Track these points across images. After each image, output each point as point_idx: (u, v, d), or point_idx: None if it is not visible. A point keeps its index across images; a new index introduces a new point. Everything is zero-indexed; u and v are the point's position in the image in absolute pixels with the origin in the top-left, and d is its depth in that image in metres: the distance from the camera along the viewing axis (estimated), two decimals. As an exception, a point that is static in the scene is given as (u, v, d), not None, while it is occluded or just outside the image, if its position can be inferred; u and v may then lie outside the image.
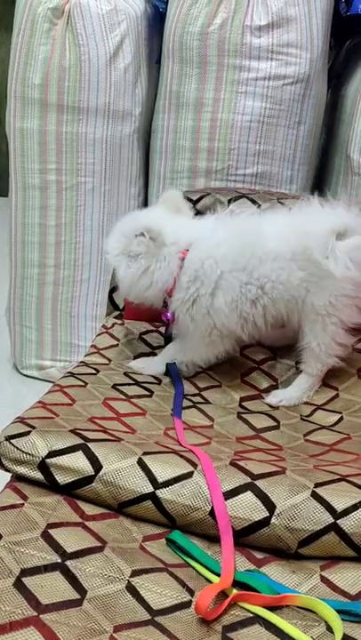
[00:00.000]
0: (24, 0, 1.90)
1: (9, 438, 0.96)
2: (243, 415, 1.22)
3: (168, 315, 1.30)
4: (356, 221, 1.26)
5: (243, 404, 1.29)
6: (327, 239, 1.22)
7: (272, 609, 0.78)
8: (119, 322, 1.56)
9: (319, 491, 0.91)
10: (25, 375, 2.25)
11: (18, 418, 1.03)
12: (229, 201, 1.58)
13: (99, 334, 1.53)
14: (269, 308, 1.26)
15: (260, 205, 1.56)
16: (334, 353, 1.30)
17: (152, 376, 1.33)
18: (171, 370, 1.33)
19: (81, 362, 1.37)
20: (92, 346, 1.47)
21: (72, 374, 1.27)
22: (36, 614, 0.71)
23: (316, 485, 0.92)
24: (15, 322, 2.21)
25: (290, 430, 1.21)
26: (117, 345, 1.46)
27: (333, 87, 2.11)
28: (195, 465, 0.94)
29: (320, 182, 2.15)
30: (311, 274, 1.24)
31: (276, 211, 1.44)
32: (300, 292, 1.25)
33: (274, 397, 1.31)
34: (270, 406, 1.29)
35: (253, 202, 1.58)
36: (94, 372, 1.29)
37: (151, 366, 1.36)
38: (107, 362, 1.38)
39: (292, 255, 1.24)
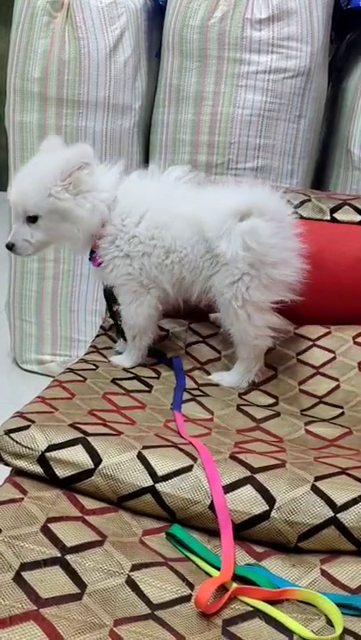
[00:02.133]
0: (23, -7, 1.90)
1: (8, 432, 0.96)
2: (242, 407, 1.22)
3: (98, 257, 1.31)
4: (265, 202, 1.25)
5: (242, 396, 1.28)
6: (223, 219, 1.21)
7: (272, 603, 0.78)
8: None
9: (319, 484, 0.91)
10: (25, 370, 2.25)
11: (17, 412, 1.03)
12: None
13: (98, 335, 1.53)
14: (176, 267, 1.28)
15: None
16: (259, 335, 1.29)
17: (152, 369, 1.32)
18: (174, 363, 1.33)
19: (80, 359, 1.37)
20: (91, 346, 1.47)
21: (71, 370, 1.27)
22: (35, 608, 0.71)
23: (317, 479, 0.92)
24: (15, 316, 2.21)
25: (291, 417, 1.20)
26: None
27: (334, 81, 2.10)
28: (194, 458, 0.94)
29: (320, 176, 2.14)
30: (210, 249, 1.25)
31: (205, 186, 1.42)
32: (204, 264, 1.27)
33: (216, 376, 1.35)
34: (271, 396, 1.29)
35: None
36: (93, 367, 1.29)
37: (124, 360, 1.37)
38: (105, 359, 1.39)
39: (197, 228, 1.25)
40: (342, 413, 1.24)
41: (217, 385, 1.32)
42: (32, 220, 1.25)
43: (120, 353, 1.41)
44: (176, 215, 1.27)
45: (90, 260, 1.33)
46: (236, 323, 1.28)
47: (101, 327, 1.58)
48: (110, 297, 1.41)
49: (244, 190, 1.28)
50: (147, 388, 1.25)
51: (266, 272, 1.24)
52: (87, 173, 1.24)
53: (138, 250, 1.28)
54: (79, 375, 1.23)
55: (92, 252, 1.32)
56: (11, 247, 1.28)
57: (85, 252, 1.33)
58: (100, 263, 1.31)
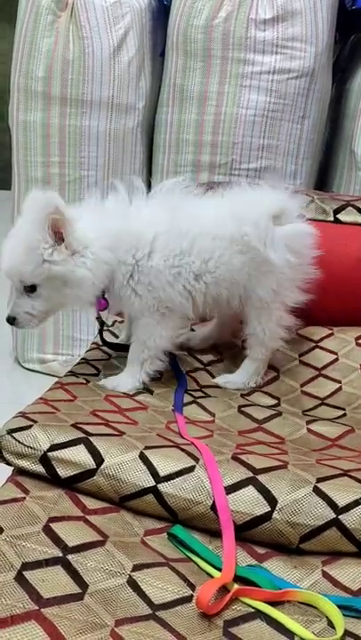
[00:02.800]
0: (27, -8, 1.90)
1: (11, 432, 0.96)
2: (243, 409, 1.22)
3: (102, 302, 1.21)
4: (290, 202, 1.27)
5: (244, 397, 1.28)
6: (266, 226, 1.20)
7: (273, 604, 0.78)
8: (119, 319, 1.55)
9: (321, 486, 0.91)
10: (27, 369, 2.25)
11: (20, 412, 1.03)
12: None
13: (100, 331, 1.52)
14: (212, 286, 1.23)
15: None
16: (279, 337, 1.31)
17: (156, 371, 1.31)
18: (172, 364, 1.32)
19: (82, 359, 1.37)
20: (93, 343, 1.47)
21: (73, 373, 1.27)
22: (37, 608, 0.71)
23: (318, 480, 0.92)
24: (17, 315, 2.20)
25: (293, 417, 1.21)
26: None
27: (338, 81, 2.10)
28: (196, 459, 0.94)
29: (324, 177, 2.14)
30: (252, 258, 1.22)
31: (210, 195, 1.34)
32: (242, 276, 1.23)
33: (222, 378, 1.33)
34: (273, 397, 1.29)
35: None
36: (95, 371, 1.29)
37: (124, 383, 1.24)
38: (107, 357, 1.38)
39: (230, 238, 1.21)
40: (344, 415, 1.24)
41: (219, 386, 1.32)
42: (31, 289, 1.14)
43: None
44: (197, 236, 1.20)
45: (98, 304, 1.23)
46: (268, 323, 1.28)
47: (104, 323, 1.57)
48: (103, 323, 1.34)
49: (267, 194, 1.27)
50: (148, 391, 1.25)
51: (302, 273, 1.27)
52: (67, 222, 1.10)
53: (160, 280, 1.18)
54: (81, 378, 1.24)
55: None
56: (12, 321, 1.17)
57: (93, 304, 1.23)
58: (105, 307, 1.23)
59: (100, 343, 1.37)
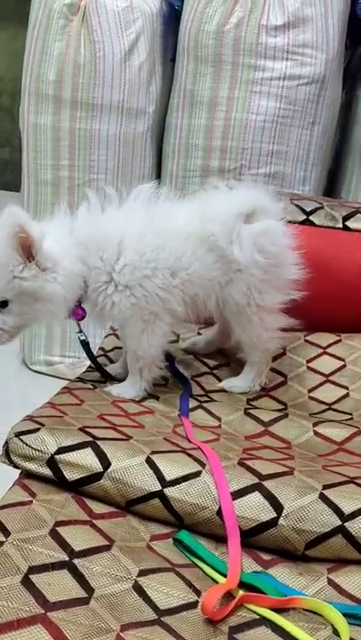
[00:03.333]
0: (40, -4, 1.91)
1: (18, 435, 0.97)
2: (250, 411, 1.22)
3: (79, 311, 1.20)
4: (265, 201, 1.22)
5: (251, 402, 1.29)
6: (232, 223, 1.16)
7: (278, 611, 0.78)
8: (119, 345, 1.56)
9: (327, 493, 0.91)
10: (34, 371, 2.26)
11: (27, 416, 1.03)
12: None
13: (106, 336, 1.53)
14: (188, 284, 1.20)
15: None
16: (270, 339, 1.28)
17: (161, 377, 1.31)
18: (172, 370, 1.33)
19: (90, 367, 1.36)
20: (99, 348, 1.47)
21: (81, 379, 1.27)
22: (43, 612, 0.71)
23: (325, 487, 0.92)
24: (25, 317, 2.21)
25: (299, 419, 1.21)
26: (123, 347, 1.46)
27: (348, 88, 2.10)
28: (203, 464, 0.94)
29: (333, 183, 2.14)
30: (221, 257, 1.19)
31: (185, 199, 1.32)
32: (215, 274, 1.21)
33: (227, 382, 1.32)
34: (279, 402, 1.29)
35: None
36: (103, 378, 1.30)
37: (128, 390, 1.24)
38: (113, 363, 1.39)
39: (200, 237, 1.19)
40: (351, 419, 1.24)
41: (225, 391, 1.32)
42: (2, 305, 1.12)
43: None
44: (169, 234, 1.19)
45: (75, 316, 1.22)
46: (250, 329, 1.26)
47: (111, 327, 1.58)
48: (87, 347, 1.30)
49: (240, 193, 1.25)
50: (155, 395, 1.25)
51: (278, 274, 1.22)
52: (34, 239, 1.09)
53: (135, 277, 1.17)
54: (89, 384, 1.24)
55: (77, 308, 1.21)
56: None
57: (66, 315, 1.21)
58: (83, 317, 1.22)
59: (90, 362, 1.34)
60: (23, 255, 1.10)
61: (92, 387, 1.22)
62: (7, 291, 1.11)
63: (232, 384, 1.32)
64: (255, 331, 1.26)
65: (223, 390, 1.32)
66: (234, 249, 1.17)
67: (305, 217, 1.47)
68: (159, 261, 1.18)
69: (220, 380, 1.35)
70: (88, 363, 1.35)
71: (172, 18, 2.01)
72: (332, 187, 2.14)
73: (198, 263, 1.20)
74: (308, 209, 1.53)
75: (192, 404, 1.23)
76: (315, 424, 1.18)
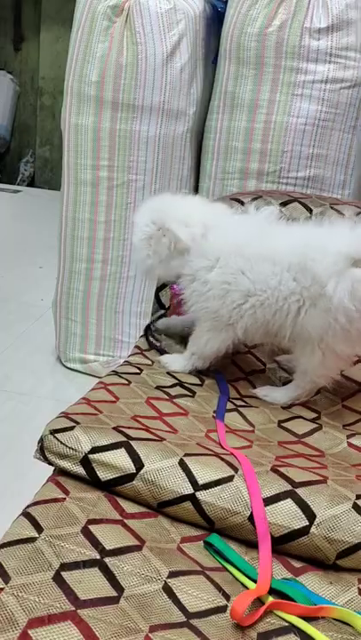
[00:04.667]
0: (84, -3, 1.93)
1: (53, 432, 0.98)
2: (283, 424, 1.22)
3: (176, 287, 1.35)
4: None
5: (285, 409, 1.28)
6: (337, 258, 1.14)
7: (308, 619, 0.78)
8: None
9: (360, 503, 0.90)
10: (68, 368, 2.28)
11: (62, 413, 1.04)
12: (281, 205, 1.57)
13: (142, 336, 1.54)
14: (258, 310, 1.23)
15: (311, 210, 1.54)
16: (325, 375, 1.27)
17: (196, 376, 1.33)
18: (215, 374, 1.33)
19: (125, 361, 1.38)
20: (135, 346, 1.48)
21: (116, 373, 1.28)
22: (73, 609, 0.72)
23: (358, 497, 0.91)
24: (61, 315, 2.24)
25: (333, 430, 1.20)
26: (159, 347, 1.47)
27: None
28: (236, 469, 0.94)
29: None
30: (305, 288, 1.17)
31: (306, 223, 1.38)
32: (290, 305, 1.20)
33: (262, 390, 1.32)
34: (313, 411, 1.28)
35: (305, 206, 1.56)
36: (138, 371, 1.30)
37: (175, 363, 1.36)
38: (150, 362, 1.39)
39: (289, 264, 1.19)
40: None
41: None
42: None
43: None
44: (255, 257, 1.22)
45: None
46: (309, 359, 1.24)
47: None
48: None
49: (352, 231, 1.20)
50: (190, 394, 1.25)
51: (358, 327, 1.17)
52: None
53: (211, 293, 1.26)
54: (123, 378, 1.24)
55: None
56: None
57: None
58: (179, 294, 1.35)
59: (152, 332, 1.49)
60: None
61: (126, 382, 1.23)
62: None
63: (268, 393, 1.31)
64: (314, 363, 1.24)
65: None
66: (330, 284, 1.14)
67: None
68: (233, 284, 1.24)
69: (254, 387, 1.35)
70: (121, 361, 1.38)
71: (214, 20, 2.01)
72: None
73: (271, 292, 1.21)
74: (347, 214, 1.52)
75: (228, 406, 1.23)
76: (348, 436, 1.17)
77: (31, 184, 4.84)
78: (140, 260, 1.35)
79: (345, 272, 1.14)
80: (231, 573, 0.85)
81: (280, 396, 1.30)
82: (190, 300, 1.31)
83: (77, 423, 1.00)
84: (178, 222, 1.28)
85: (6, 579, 0.74)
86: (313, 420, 1.24)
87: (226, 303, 1.25)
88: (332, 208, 1.51)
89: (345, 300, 1.13)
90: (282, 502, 0.90)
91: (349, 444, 1.15)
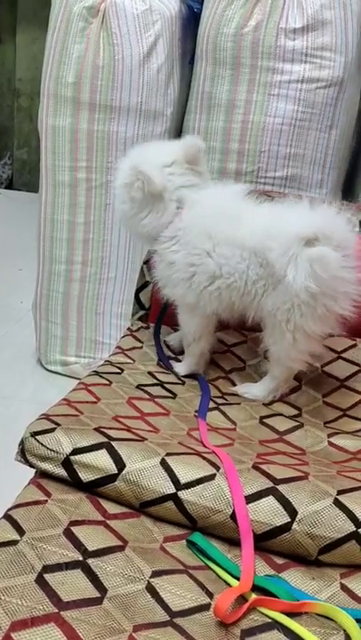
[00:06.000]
0: (60, -1, 1.92)
1: (34, 434, 0.97)
2: (265, 420, 1.22)
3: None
4: (335, 228, 1.16)
5: (266, 406, 1.28)
6: (291, 243, 1.14)
7: (291, 615, 0.78)
8: (144, 325, 1.56)
9: (341, 498, 0.91)
10: (49, 370, 2.27)
11: (43, 415, 1.04)
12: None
13: (123, 336, 1.54)
14: (224, 292, 1.24)
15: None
16: (298, 359, 1.26)
17: (177, 377, 1.33)
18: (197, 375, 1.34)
19: (106, 361, 1.38)
20: (116, 347, 1.48)
21: (97, 373, 1.27)
22: (56, 611, 0.72)
23: (339, 493, 0.92)
24: (41, 317, 2.23)
25: (314, 429, 1.20)
26: (141, 347, 1.47)
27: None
28: (217, 467, 0.95)
29: (350, 187, 2.13)
30: (270, 274, 1.18)
31: (270, 203, 1.38)
32: (256, 289, 1.21)
33: (242, 388, 1.32)
34: (294, 408, 1.28)
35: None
36: (119, 371, 1.30)
37: (180, 367, 1.38)
38: (131, 361, 1.39)
39: (255, 250, 1.19)
40: (366, 426, 1.24)
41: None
42: None
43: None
44: (221, 241, 1.23)
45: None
46: (280, 343, 1.24)
47: (128, 329, 1.59)
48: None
49: (307, 212, 1.20)
50: (171, 395, 1.25)
51: (324, 303, 1.17)
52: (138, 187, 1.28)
53: (177, 276, 1.28)
54: (104, 378, 1.24)
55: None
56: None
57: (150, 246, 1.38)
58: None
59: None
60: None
61: (107, 382, 1.23)
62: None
63: (247, 390, 1.32)
64: (285, 347, 1.24)
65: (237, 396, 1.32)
66: (288, 271, 1.15)
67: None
68: (199, 266, 1.25)
69: (234, 384, 1.35)
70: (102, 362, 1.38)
71: (190, 20, 2.01)
72: (349, 190, 2.13)
73: (238, 275, 1.22)
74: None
75: (209, 404, 1.23)
76: (329, 435, 1.18)
77: (9, 186, 4.80)
78: (117, 207, 1.37)
79: (300, 254, 1.14)
80: (214, 571, 0.85)
81: (259, 391, 1.31)
82: (160, 282, 1.34)
83: (58, 425, 0.99)
84: (153, 165, 1.28)
85: (-12, 582, 0.74)
86: (294, 418, 1.25)
87: (192, 287, 1.27)
88: (309, 207, 1.52)
89: (306, 282, 1.14)
90: (264, 499, 0.90)
91: (330, 444, 1.16)
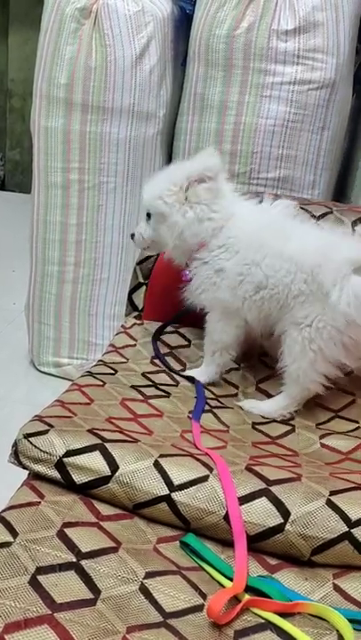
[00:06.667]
0: (52, 0, 1.92)
1: (27, 436, 0.97)
2: (258, 426, 1.22)
3: (187, 274, 1.34)
4: None
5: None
6: (342, 266, 1.18)
7: (284, 615, 0.79)
8: (138, 322, 1.56)
9: (334, 499, 0.91)
10: (41, 372, 2.27)
11: (36, 416, 1.04)
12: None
13: (117, 334, 1.54)
14: (266, 303, 1.26)
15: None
16: (315, 380, 1.25)
17: (171, 377, 1.33)
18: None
19: (99, 360, 1.38)
20: (110, 345, 1.47)
21: (90, 373, 1.27)
22: (50, 612, 0.72)
23: (332, 493, 0.92)
24: (34, 319, 2.22)
25: (306, 432, 1.21)
26: (135, 345, 1.47)
27: (358, 92, 2.10)
28: (210, 469, 0.95)
29: (342, 188, 2.14)
30: (312, 292, 1.21)
31: (319, 225, 1.43)
32: (295, 304, 1.23)
33: (248, 403, 1.30)
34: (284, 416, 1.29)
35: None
36: (112, 371, 1.30)
37: (200, 374, 1.36)
38: (125, 360, 1.39)
39: (302, 265, 1.21)
40: (357, 428, 1.24)
41: (235, 395, 1.32)
42: (148, 217, 1.35)
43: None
44: (270, 253, 1.24)
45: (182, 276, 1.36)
46: (300, 361, 1.24)
47: (122, 326, 1.58)
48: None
49: (357, 240, 1.26)
50: (165, 394, 1.25)
51: (353, 334, 1.20)
52: (206, 188, 1.27)
53: (224, 283, 1.28)
54: (98, 379, 1.24)
55: (187, 266, 1.34)
56: (132, 237, 1.41)
57: (183, 263, 1.36)
58: (190, 280, 1.34)
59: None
60: (183, 192, 1.28)
61: (101, 382, 1.23)
62: (151, 206, 1.32)
63: (254, 405, 1.29)
64: (304, 365, 1.24)
65: (233, 395, 1.32)
66: (333, 292, 1.18)
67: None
68: (247, 275, 1.26)
69: (230, 384, 1.35)
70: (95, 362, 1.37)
71: (183, 22, 2.01)
72: (341, 191, 2.14)
73: (282, 288, 1.24)
74: (317, 214, 1.54)
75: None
76: (321, 436, 1.19)
77: (2, 187, 4.79)
78: (174, 222, 1.29)
79: (348, 278, 1.17)
80: (207, 572, 0.85)
81: (268, 407, 1.28)
82: (200, 287, 1.32)
83: (51, 426, 0.99)
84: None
85: (-18, 584, 0.74)
86: (286, 422, 1.25)
87: (238, 294, 1.28)
88: (301, 208, 1.53)
89: (347, 307, 1.17)
90: (257, 501, 0.91)
91: (322, 445, 1.16)
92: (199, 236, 1.29)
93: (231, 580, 0.82)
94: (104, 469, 0.93)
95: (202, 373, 1.36)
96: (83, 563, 0.80)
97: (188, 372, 1.37)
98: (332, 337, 1.21)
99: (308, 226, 1.35)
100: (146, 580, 0.80)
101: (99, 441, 0.97)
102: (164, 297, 1.52)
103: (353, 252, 1.20)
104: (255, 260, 1.25)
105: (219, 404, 1.27)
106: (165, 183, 1.29)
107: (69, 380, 2.07)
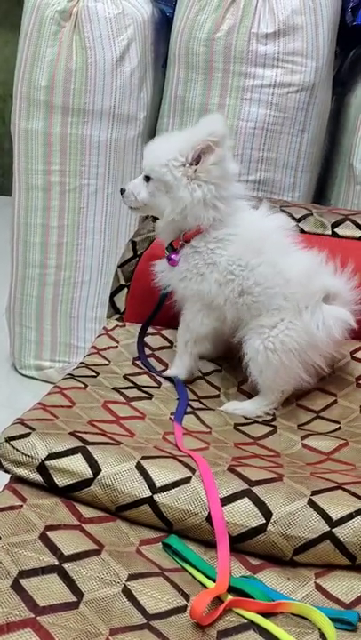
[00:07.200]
0: (32, 2, 1.92)
1: (9, 440, 0.97)
2: (239, 427, 1.23)
3: (175, 257, 1.30)
4: (349, 293, 1.28)
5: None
6: (316, 294, 1.24)
7: (266, 615, 0.79)
8: (120, 324, 1.56)
9: (316, 499, 0.92)
10: (23, 375, 2.26)
11: (18, 419, 1.03)
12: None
13: (99, 335, 1.53)
14: (245, 308, 1.27)
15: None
16: (287, 383, 1.29)
17: (153, 378, 1.33)
18: (175, 380, 1.34)
19: (81, 363, 1.38)
20: (92, 347, 1.47)
21: (72, 376, 1.27)
22: (33, 616, 0.71)
23: (313, 493, 0.93)
24: (15, 322, 2.22)
25: (287, 433, 1.21)
26: (117, 347, 1.47)
27: (338, 95, 2.12)
28: (193, 470, 0.95)
29: (322, 190, 2.16)
30: (288, 309, 1.25)
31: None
32: (274, 310, 1.26)
33: (231, 405, 1.31)
34: (267, 414, 1.29)
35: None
36: (94, 374, 1.30)
37: (175, 368, 1.37)
38: (107, 362, 1.39)
39: (286, 282, 1.25)
40: (339, 428, 1.25)
41: (217, 396, 1.33)
42: (147, 179, 1.29)
43: None
44: (267, 262, 1.25)
45: (167, 258, 1.32)
46: (266, 371, 1.27)
47: (104, 328, 1.58)
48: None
49: (330, 270, 1.30)
50: (147, 396, 1.25)
51: (311, 354, 1.26)
52: (215, 160, 1.20)
53: (212, 276, 1.27)
54: (80, 382, 1.24)
55: (174, 249, 1.31)
56: (122, 192, 1.35)
57: (167, 240, 1.32)
58: (175, 264, 1.31)
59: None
60: (193, 158, 1.22)
61: (83, 385, 1.22)
62: (154, 171, 1.26)
63: (236, 407, 1.30)
64: (271, 375, 1.27)
65: (215, 396, 1.33)
66: (306, 313, 1.24)
67: (294, 224, 1.48)
68: (238, 277, 1.26)
69: (212, 386, 1.36)
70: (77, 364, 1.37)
71: (163, 25, 2.02)
72: (321, 194, 2.16)
73: (265, 298, 1.25)
74: (297, 216, 1.55)
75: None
76: (303, 437, 1.19)
77: (-18, 190, 4.77)
78: (182, 195, 1.23)
79: (320, 305, 1.25)
80: (190, 574, 0.85)
81: (250, 407, 1.30)
82: (185, 275, 1.29)
83: (33, 429, 0.99)
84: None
85: None
86: (268, 423, 1.26)
87: (224, 292, 1.27)
88: (281, 210, 1.54)
89: (318, 331, 1.24)
90: (239, 501, 0.91)
91: (304, 445, 1.17)
92: (199, 221, 1.25)
93: (214, 580, 0.82)
94: (86, 472, 0.93)
95: (179, 368, 1.36)
96: (65, 566, 0.80)
97: (167, 372, 1.37)
98: (294, 350, 1.25)
99: (301, 247, 1.34)
100: (129, 583, 0.80)
101: (81, 444, 0.97)
102: (145, 299, 1.52)
103: (330, 282, 1.26)
104: (251, 264, 1.25)
105: (201, 406, 1.27)
106: (171, 150, 1.23)
107: (51, 382, 2.06)
